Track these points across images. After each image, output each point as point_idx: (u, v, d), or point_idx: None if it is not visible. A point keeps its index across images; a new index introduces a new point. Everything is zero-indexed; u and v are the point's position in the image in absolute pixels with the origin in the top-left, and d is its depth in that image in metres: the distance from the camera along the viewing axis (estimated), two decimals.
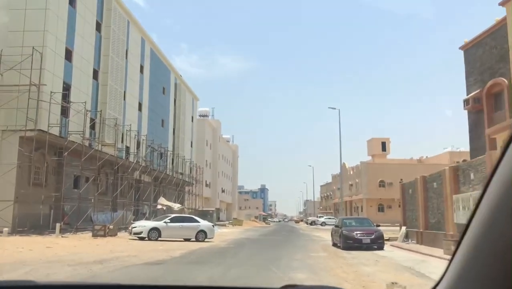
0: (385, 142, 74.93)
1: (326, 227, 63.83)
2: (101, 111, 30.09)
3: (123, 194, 37.39)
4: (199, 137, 69.79)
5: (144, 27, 41.14)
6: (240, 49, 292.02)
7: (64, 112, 27.11)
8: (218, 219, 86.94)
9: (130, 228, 22.88)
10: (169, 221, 22.90)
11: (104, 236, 23.24)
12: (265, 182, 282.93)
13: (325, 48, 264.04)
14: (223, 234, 35.26)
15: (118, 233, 25.67)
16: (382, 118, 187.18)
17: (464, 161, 70.46)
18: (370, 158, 76.07)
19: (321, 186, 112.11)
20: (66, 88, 27.35)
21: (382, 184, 66.99)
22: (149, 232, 22.18)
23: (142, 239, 22.18)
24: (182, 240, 23.45)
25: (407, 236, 24.18)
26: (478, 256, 1.15)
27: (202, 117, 75.82)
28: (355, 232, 18.31)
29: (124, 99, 36.06)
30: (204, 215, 61.73)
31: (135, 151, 37.51)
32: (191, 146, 60.13)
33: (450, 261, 1.31)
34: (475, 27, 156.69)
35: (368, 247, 18.21)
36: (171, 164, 49.10)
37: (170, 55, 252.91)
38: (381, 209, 67.35)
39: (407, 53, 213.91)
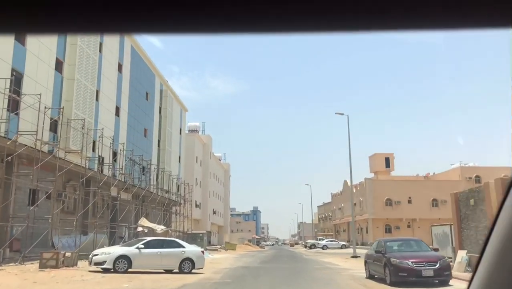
0: (388, 158, 69.66)
1: (329, 250, 57.82)
2: (63, 108, 24.21)
3: (95, 213, 31.36)
4: (188, 153, 63.98)
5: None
6: (231, 72, 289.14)
7: (15, 107, 21.30)
8: (209, 243, 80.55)
9: (90, 256, 16.82)
10: (143, 246, 16.91)
11: (56, 266, 17.20)
12: (257, 204, 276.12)
13: (320, 66, 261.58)
14: (216, 261, 29.19)
15: (80, 262, 19.63)
16: (382, 135, 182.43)
17: (477, 176, 65.40)
18: (372, 174, 70.61)
19: (318, 207, 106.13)
20: (18, 78, 21.62)
21: (389, 203, 61.36)
22: (115, 261, 16.17)
23: (106, 270, 16.19)
24: (163, 271, 17.48)
25: (470, 264, 18.33)
26: (499, 272, 1.18)
27: (192, 132, 70.19)
28: (409, 260, 12.50)
29: (97, 100, 30.34)
30: (194, 238, 55.45)
31: (111, 162, 31.56)
32: (179, 161, 54.19)
33: (474, 271, 1.33)
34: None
35: (426, 282, 12.47)
36: (155, 180, 43.09)
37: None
38: (388, 230, 61.53)
39: (408, 76, 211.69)
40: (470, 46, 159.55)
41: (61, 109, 23.96)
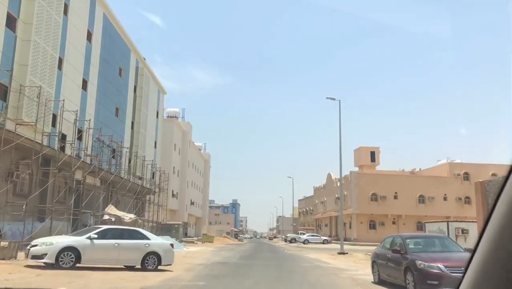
0: (374, 152, 67.25)
1: (311, 245, 55.11)
2: (12, 70, 20.47)
3: (57, 198, 27.76)
4: (165, 139, 60.33)
5: None
6: (214, 63, 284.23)
7: None
8: (186, 235, 77.07)
9: (27, 248, 13.35)
10: (96, 236, 13.51)
11: None
12: (236, 197, 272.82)
13: (306, 59, 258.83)
14: (190, 255, 25.91)
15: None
16: (367, 128, 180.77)
17: (465, 173, 63.48)
18: (357, 169, 68.10)
19: (299, 201, 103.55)
20: None
21: (374, 198, 58.88)
22: (59, 254, 12.74)
23: (49, 265, 12.78)
24: (123, 267, 14.18)
25: None
26: (494, 262, 1.20)
27: (170, 118, 66.45)
28: (441, 263, 9.42)
29: (60, 69, 26.58)
30: (169, 229, 51.98)
31: (74, 141, 27.90)
32: (155, 147, 50.55)
33: (468, 263, 1.34)
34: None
35: None
36: (127, 165, 39.48)
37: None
38: (372, 226, 59.14)
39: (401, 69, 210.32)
40: (468, 46, 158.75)
41: (11, 72, 20.20)
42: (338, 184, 65.65)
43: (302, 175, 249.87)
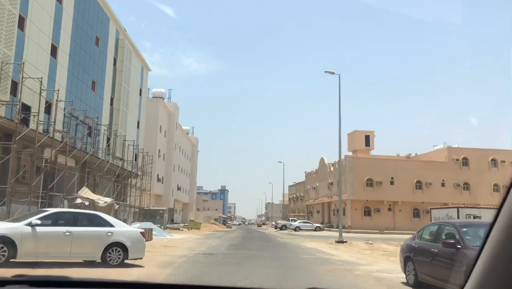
0: (369, 136, 64.33)
1: (303, 233, 52.37)
2: None
3: (21, 179, 24.49)
4: (150, 120, 56.84)
5: None
6: (205, 50, 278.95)
7: None
8: (172, 221, 73.93)
9: None
10: (39, 222, 10.26)
11: None
12: (225, 184, 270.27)
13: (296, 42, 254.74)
14: (173, 244, 22.76)
15: None
16: (362, 112, 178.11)
17: (464, 158, 61.03)
18: (350, 153, 65.26)
19: (289, 187, 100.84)
20: None
21: (369, 183, 56.17)
22: None
23: None
24: (76, 263, 10.96)
25: None
26: (502, 258, 1.20)
27: (156, 99, 62.85)
28: None
29: (23, 30, 22.98)
30: (153, 215, 48.82)
31: (39, 112, 24.40)
32: (138, 127, 47.05)
33: (475, 260, 1.33)
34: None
35: None
36: (106, 144, 36.04)
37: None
38: (367, 212, 56.51)
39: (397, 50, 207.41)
40: (469, 32, 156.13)
41: None
42: (332, 169, 62.90)
43: (293, 161, 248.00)
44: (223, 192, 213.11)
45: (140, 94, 47.53)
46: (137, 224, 34.26)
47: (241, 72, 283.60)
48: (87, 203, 27.32)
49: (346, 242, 29.47)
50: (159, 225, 46.46)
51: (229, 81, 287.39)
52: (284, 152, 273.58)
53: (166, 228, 49.48)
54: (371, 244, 29.60)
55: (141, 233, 11.82)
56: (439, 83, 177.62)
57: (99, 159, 33.18)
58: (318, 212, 68.71)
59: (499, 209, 1.27)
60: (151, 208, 49.52)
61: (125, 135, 39.27)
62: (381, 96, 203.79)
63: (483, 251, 1.30)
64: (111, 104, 38.06)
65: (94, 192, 33.60)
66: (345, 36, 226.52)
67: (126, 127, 41.03)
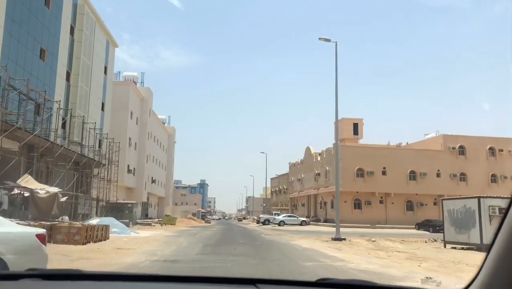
0: (357, 124, 59.93)
1: (288, 228, 47.71)
2: None
3: None
4: (119, 104, 51.30)
5: None
6: (184, 43, 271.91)
7: None
8: (146, 216, 68.53)
9: None
10: None
11: None
12: (205, 178, 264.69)
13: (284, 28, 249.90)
14: (129, 246, 17.63)
15: None
16: (349, 100, 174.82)
17: (461, 147, 57.15)
18: (328, 148, 60.81)
19: (271, 179, 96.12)
20: None
21: (360, 173, 51.74)
22: None
23: None
24: None
25: None
26: (510, 256, 1.21)
27: (126, 82, 57.19)
28: None
29: None
30: (120, 210, 43.45)
31: None
32: (102, 110, 41.46)
33: (484, 260, 1.33)
34: None
35: None
36: (61, 126, 30.50)
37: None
38: (358, 205, 52.10)
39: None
40: (464, 19, 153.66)
41: None
42: (319, 159, 58.29)
43: (276, 154, 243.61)
44: (202, 186, 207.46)
45: (106, 73, 41.89)
46: (96, 220, 28.98)
47: (222, 65, 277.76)
48: (26, 194, 22.00)
49: (344, 239, 24.79)
50: (128, 221, 41.33)
51: (210, 74, 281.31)
52: (267, 145, 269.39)
53: (137, 223, 44.27)
54: (374, 241, 25.02)
55: (38, 235, 6.69)
56: (430, 71, 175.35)
57: (49, 141, 27.66)
58: (303, 205, 64.15)
59: (507, 208, 1.24)
60: (119, 201, 44.02)
61: (83, 116, 33.67)
62: (369, 85, 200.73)
63: (492, 249, 1.28)
64: (68, 80, 32.48)
65: (47, 182, 28.20)
66: (333, 20, 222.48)
67: (87, 108, 35.49)
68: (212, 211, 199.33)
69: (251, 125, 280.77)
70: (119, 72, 64.36)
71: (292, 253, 16.02)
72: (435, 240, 29.00)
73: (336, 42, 26.92)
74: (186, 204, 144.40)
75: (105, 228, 20.10)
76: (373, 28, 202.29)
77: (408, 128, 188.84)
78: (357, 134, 59.22)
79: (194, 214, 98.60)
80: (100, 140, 40.29)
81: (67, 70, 32.22)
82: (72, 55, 33.05)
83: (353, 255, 15.44)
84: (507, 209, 1.27)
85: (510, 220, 1.23)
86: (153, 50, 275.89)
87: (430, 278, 7.36)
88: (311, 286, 2.04)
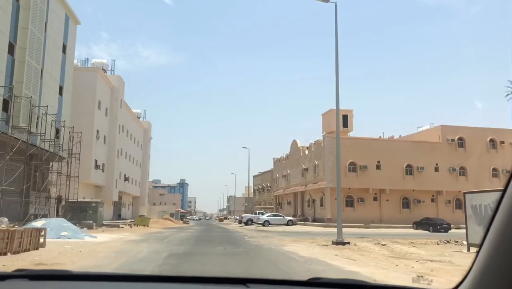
0: (347, 115, 55.38)
1: (273, 228, 42.87)
2: None
3: None
4: (84, 92, 45.87)
5: None
6: (165, 42, 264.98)
7: None
8: (119, 217, 63.05)
9: None
10: None
11: None
12: (186, 177, 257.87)
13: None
14: (62, 258, 12.42)
15: None
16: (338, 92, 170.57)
17: (460, 138, 53.02)
18: (321, 138, 56.21)
19: (254, 177, 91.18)
20: None
21: (352, 168, 47.16)
22: None
23: None
24: None
25: None
26: (501, 253, 1.19)
27: (93, 68, 51.56)
28: None
29: None
30: (84, 210, 38.12)
31: None
32: (60, 94, 35.90)
33: (475, 258, 1.32)
34: None
35: None
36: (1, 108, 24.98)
37: (88, 43, 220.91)
38: (350, 202, 47.52)
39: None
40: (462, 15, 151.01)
41: None
42: (307, 153, 53.50)
43: (258, 153, 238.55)
44: (182, 185, 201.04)
45: (64, 52, 36.31)
46: (41, 221, 23.64)
47: (203, 63, 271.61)
48: None
49: (348, 243, 20.03)
50: (91, 222, 36.06)
51: (189, 73, 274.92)
52: (249, 142, 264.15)
53: (102, 225, 38.86)
54: (385, 245, 20.33)
55: None
56: (423, 62, 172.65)
57: None
58: (289, 203, 59.33)
59: (497, 207, 1.22)
60: (82, 200, 38.49)
61: (32, 97, 28.11)
62: (358, 76, 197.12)
63: (482, 247, 1.27)
64: (11, 53, 26.94)
65: None
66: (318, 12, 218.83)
67: (38, 90, 29.93)
68: (193, 211, 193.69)
69: (233, 124, 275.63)
70: (87, 59, 58.79)
71: (292, 268, 11.08)
72: (447, 242, 24.78)
73: (336, 3, 22.10)
74: (165, 204, 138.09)
75: (35, 233, 14.81)
76: (367, 19, 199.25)
77: (398, 122, 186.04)
78: (347, 127, 54.70)
79: (172, 214, 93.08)
80: (58, 130, 34.77)
81: (9, 42, 26.67)
82: (17, 24, 27.51)
83: (380, 270, 10.56)
84: (497, 205, 1.22)
85: (500, 217, 1.19)
86: (133, 49, 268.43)
87: (422, 276, 7.13)
88: (302, 286, 2.01)
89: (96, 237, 23.89)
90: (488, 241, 1.25)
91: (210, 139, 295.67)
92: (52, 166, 35.04)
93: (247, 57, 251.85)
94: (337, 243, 19.90)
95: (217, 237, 27.20)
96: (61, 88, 35.44)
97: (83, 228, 35.48)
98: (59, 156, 33.85)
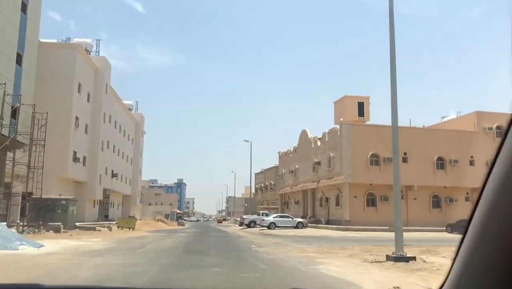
0: (363, 103, 48.33)
1: (281, 231, 35.91)
2: None
3: None
4: (60, 72, 39.19)
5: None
6: (165, 43, 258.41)
7: None
8: (107, 217, 55.95)
9: None
10: None
11: None
12: (184, 178, 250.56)
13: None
14: None
15: None
16: (350, 78, 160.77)
17: (498, 127, 45.62)
18: (338, 126, 49.12)
19: (256, 174, 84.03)
20: None
21: (374, 161, 40.10)
22: None
23: None
24: None
25: None
26: (480, 254, 1.14)
27: (72, 44, 44.49)
28: None
29: None
30: (51, 208, 31.21)
31: None
32: (20, 64, 28.81)
33: (453, 261, 1.28)
34: None
35: None
36: None
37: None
38: (371, 202, 40.41)
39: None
40: None
41: None
42: (319, 144, 46.37)
43: (260, 150, 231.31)
44: (179, 185, 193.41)
45: (25, 13, 29.21)
46: None
47: (203, 63, 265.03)
48: None
49: (414, 258, 13.02)
50: (59, 224, 29.23)
51: (188, 73, 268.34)
52: (251, 139, 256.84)
53: (75, 227, 31.85)
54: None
55: None
56: (444, 43, 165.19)
57: None
58: (297, 202, 52.19)
59: (476, 204, 1.15)
60: (47, 196, 31.32)
61: None
62: (373, 60, 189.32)
63: (460, 249, 1.22)
64: None
65: None
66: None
67: None
68: (191, 212, 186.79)
69: (233, 120, 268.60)
70: (68, 38, 51.59)
71: None
72: None
73: None
74: (161, 204, 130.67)
75: None
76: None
77: (419, 111, 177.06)
78: (363, 116, 47.56)
79: (167, 215, 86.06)
80: (15, 109, 27.73)
81: None
82: None
83: None
84: (476, 202, 1.14)
85: (478, 214, 1.12)
86: (132, 50, 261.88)
87: (398, 287, 6.46)
88: None
89: (42, 246, 16.89)
90: (467, 241, 1.17)
91: (209, 139, 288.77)
92: (15, 154, 28.03)
93: (253, 47, 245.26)
94: (397, 258, 12.86)
95: (214, 245, 20.13)
96: (20, 57, 28.34)
97: (48, 231, 28.54)
98: (15, 139, 26.71)
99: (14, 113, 27.51)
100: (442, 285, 1.34)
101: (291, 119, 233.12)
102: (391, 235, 32.07)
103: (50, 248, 16.64)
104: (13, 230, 21.87)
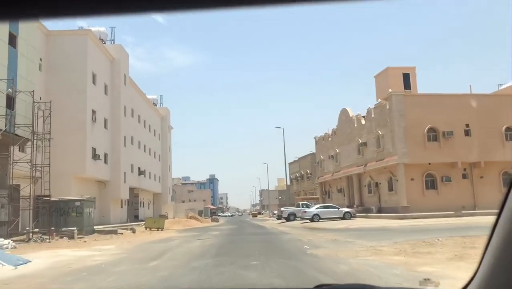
0: (409, 74, 42.64)
1: (326, 224, 30.98)
2: None
3: None
4: (71, 62, 35.63)
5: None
6: (189, 42, 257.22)
7: None
8: (136, 218, 52.44)
9: None
10: None
11: None
12: (215, 173, 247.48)
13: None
14: None
15: None
16: (391, 49, 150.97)
17: None
18: (379, 101, 43.47)
19: (289, 164, 78.98)
20: None
21: (432, 136, 34.45)
22: None
23: None
24: None
25: None
26: (509, 252, 1.12)
27: (82, 30, 40.50)
28: None
29: None
30: (63, 212, 27.21)
31: None
32: (14, 47, 24.78)
33: (481, 258, 1.26)
34: None
35: None
36: None
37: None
38: (431, 184, 34.75)
39: None
40: None
41: None
42: (363, 122, 40.82)
43: (292, 140, 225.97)
44: (212, 181, 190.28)
45: None
46: None
47: (227, 58, 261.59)
48: None
49: None
50: (73, 229, 25.46)
51: (216, 70, 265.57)
52: (284, 128, 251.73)
53: (93, 231, 27.91)
54: None
55: None
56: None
57: None
58: (339, 190, 46.92)
59: (504, 200, 1.12)
60: (57, 198, 27.29)
61: None
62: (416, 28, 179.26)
63: (489, 245, 1.19)
64: None
65: None
66: None
67: None
68: (225, 207, 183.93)
69: (262, 113, 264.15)
70: (81, 27, 47.78)
71: None
72: None
73: None
74: (195, 200, 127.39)
75: None
76: None
77: (469, 79, 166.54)
78: (409, 89, 41.84)
79: (201, 212, 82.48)
80: (12, 99, 23.73)
81: None
82: None
83: None
84: (504, 200, 1.12)
85: (506, 213, 1.10)
86: (157, 52, 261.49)
87: (429, 279, 6.03)
88: None
89: (26, 263, 12.56)
90: (496, 237, 1.13)
91: (238, 132, 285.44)
92: (13, 151, 24.11)
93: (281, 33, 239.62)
94: None
95: (254, 247, 15.40)
96: (13, 37, 24.30)
97: (61, 237, 24.64)
98: (13, 133, 22.67)
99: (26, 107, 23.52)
100: (469, 282, 1.27)
101: (324, 105, 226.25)
102: (455, 221, 26.64)
103: (36, 264, 12.33)
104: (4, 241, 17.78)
